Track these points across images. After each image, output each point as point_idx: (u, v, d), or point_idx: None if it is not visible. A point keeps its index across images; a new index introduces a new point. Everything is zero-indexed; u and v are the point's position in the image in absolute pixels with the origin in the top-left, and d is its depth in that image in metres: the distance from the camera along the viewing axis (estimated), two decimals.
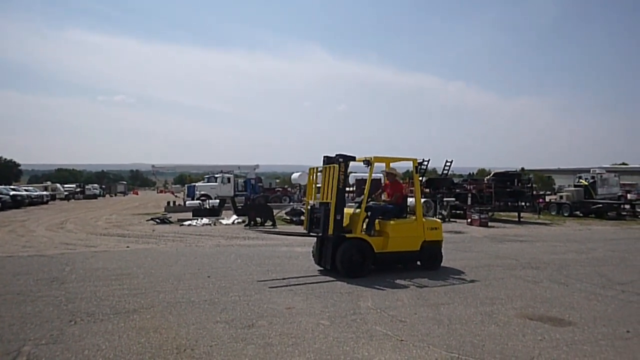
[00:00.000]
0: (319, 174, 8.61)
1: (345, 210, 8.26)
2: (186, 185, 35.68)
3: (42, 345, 4.51)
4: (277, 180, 53.19)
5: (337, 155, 8.15)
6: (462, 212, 21.44)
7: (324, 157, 8.39)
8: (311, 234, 8.39)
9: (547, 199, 27.68)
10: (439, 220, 9.40)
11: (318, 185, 8.48)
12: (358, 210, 8.25)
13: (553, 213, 24.62)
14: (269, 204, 22.62)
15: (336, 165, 7.88)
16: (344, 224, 8.12)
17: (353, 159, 8.30)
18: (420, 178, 20.72)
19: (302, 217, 12.01)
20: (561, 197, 25.68)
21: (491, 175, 24.77)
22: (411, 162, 8.99)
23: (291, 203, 28.79)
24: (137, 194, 78.36)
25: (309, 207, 8.56)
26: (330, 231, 7.77)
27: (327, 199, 7.95)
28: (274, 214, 18.02)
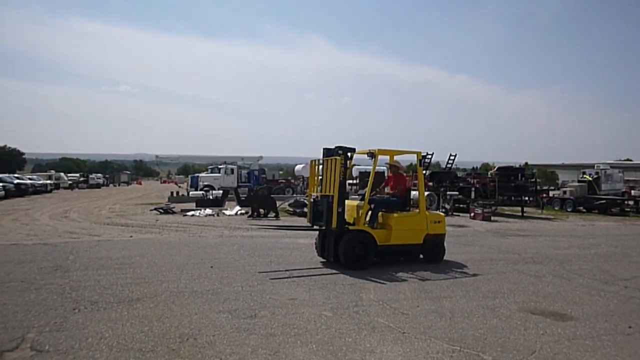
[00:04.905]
0: (320, 166, 8.58)
1: (349, 202, 8.24)
2: (190, 176, 35.72)
3: (46, 333, 4.55)
4: (281, 172, 53.25)
5: (336, 147, 8.10)
6: (465, 206, 21.43)
7: (324, 149, 8.33)
8: (314, 226, 8.40)
9: (551, 194, 27.57)
10: (442, 213, 9.37)
11: (320, 177, 8.46)
12: (361, 202, 8.24)
13: (556, 208, 24.55)
14: (272, 195, 22.66)
15: (337, 158, 7.85)
16: (348, 217, 8.12)
17: (353, 150, 8.25)
18: (424, 171, 20.69)
19: (305, 209, 12.02)
20: (565, 192, 25.56)
21: (495, 169, 24.71)
22: (415, 155, 8.95)
23: (294, 195, 28.81)
24: (141, 184, 78.53)
25: (311, 200, 8.56)
26: (334, 224, 7.77)
27: (328, 192, 7.93)
28: (277, 205, 18.04)
